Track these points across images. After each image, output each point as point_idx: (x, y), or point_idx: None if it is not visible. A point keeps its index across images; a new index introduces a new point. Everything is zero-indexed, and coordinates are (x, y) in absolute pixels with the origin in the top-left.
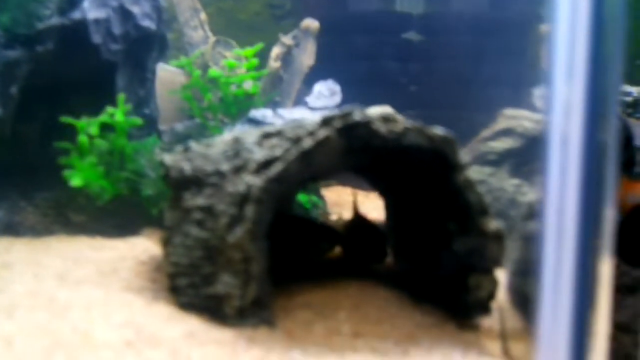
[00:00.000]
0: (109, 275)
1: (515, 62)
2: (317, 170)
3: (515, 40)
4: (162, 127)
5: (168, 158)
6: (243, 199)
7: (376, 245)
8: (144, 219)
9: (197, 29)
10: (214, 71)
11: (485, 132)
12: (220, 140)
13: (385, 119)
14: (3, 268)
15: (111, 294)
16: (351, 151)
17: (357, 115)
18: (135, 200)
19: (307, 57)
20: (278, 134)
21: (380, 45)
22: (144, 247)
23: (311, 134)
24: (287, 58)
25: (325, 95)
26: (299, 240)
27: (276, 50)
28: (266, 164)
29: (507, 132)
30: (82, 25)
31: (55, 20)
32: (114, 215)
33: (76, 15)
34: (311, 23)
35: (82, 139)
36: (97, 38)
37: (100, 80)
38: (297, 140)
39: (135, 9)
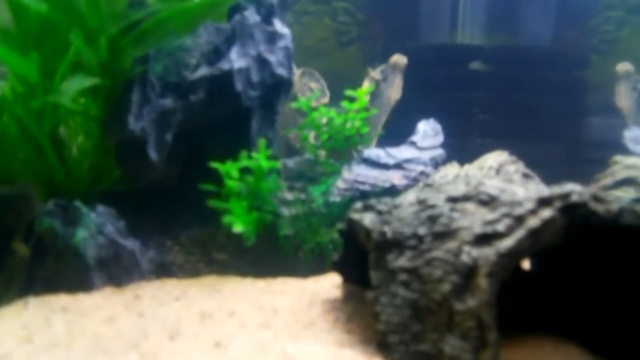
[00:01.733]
0: (310, 327)
1: (577, 95)
2: (540, 246)
3: (576, 74)
4: None
5: (367, 221)
6: (469, 270)
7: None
8: (278, 255)
9: None
10: (329, 111)
11: (604, 181)
12: (406, 202)
13: (598, 198)
14: (205, 317)
15: (331, 349)
16: (569, 229)
17: (576, 196)
18: (267, 237)
19: (394, 91)
20: (467, 199)
21: (450, 76)
22: (311, 290)
23: (533, 212)
24: (374, 92)
25: (430, 135)
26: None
27: (365, 85)
28: (486, 238)
29: (628, 182)
30: (228, 75)
31: (205, 71)
32: (250, 253)
33: (225, 65)
34: (399, 59)
35: (232, 183)
36: (239, 86)
37: (236, 123)
38: (520, 219)
39: (271, 58)
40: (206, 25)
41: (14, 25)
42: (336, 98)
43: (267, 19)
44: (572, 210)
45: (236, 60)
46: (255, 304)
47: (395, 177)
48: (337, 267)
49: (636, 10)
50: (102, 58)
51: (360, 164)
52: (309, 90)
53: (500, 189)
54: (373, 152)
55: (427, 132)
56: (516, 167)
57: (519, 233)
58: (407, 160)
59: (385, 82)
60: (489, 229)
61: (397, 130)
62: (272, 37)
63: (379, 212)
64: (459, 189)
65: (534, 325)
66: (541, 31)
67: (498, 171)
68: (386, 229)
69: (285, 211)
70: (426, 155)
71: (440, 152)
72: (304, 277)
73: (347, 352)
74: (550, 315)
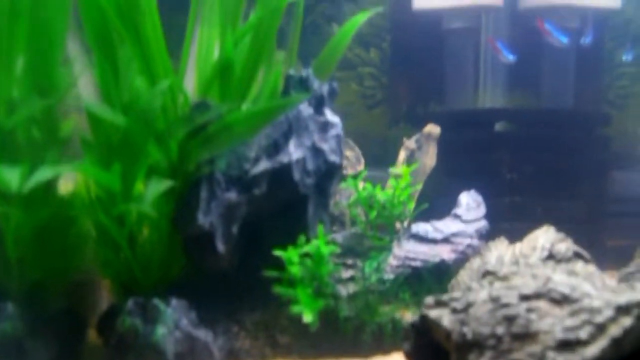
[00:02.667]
0: None
1: (600, 151)
2: (622, 354)
3: (598, 131)
4: None
5: (446, 321)
6: None
7: None
8: (338, 335)
9: None
10: (374, 189)
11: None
12: (479, 299)
13: None
14: None
15: None
16: None
17: None
18: (327, 317)
19: (429, 159)
20: (538, 296)
21: (476, 138)
22: None
23: (614, 320)
24: (409, 160)
25: (473, 207)
26: None
27: (402, 155)
28: (568, 344)
29: None
30: (288, 167)
31: (266, 164)
32: (312, 334)
33: (284, 158)
34: (433, 128)
35: (294, 269)
36: (297, 176)
37: (293, 210)
38: (601, 327)
39: (324, 146)
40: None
41: (92, 136)
42: (365, 158)
43: (318, 109)
44: None
45: (294, 152)
46: None
47: (444, 252)
48: (408, 356)
49: None
50: (172, 161)
51: (410, 239)
52: (345, 158)
53: (570, 286)
54: (421, 227)
55: (470, 205)
56: (567, 246)
57: (602, 342)
58: (454, 234)
59: (420, 151)
60: (571, 336)
61: (428, 195)
62: (324, 127)
63: (455, 310)
64: (530, 286)
65: None
66: (561, 91)
67: (551, 251)
68: (466, 330)
69: (343, 291)
70: (471, 228)
71: (484, 223)
72: (366, 358)
73: None
74: None
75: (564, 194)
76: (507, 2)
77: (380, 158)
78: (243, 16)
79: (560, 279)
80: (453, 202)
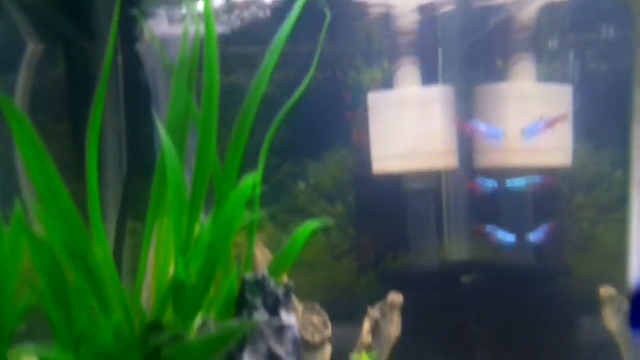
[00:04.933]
0: None
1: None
2: None
3: (558, 281)
4: None
5: None
6: None
7: None
8: None
9: None
10: None
11: None
12: None
13: None
14: None
15: None
16: None
17: None
18: None
19: (394, 328)
20: None
21: (443, 293)
22: None
23: None
24: (375, 330)
25: None
26: None
27: (366, 325)
28: None
29: None
30: None
31: None
32: None
33: None
34: (395, 297)
35: None
36: None
37: None
38: None
39: (280, 351)
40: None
41: None
42: (335, 309)
43: (273, 311)
44: None
45: None
46: None
47: None
48: None
49: (609, 209)
50: None
51: None
52: (312, 325)
53: None
54: None
55: None
56: None
57: None
58: None
59: (384, 320)
60: None
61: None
62: (280, 331)
63: None
64: None
65: None
66: (522, 244)
67: None
68: None
69: None
70: None
71: None
72: None
73: None
74: None
75: (529, 344)
76: (461, 164)
77: (350, 309)
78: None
79: None
80: None
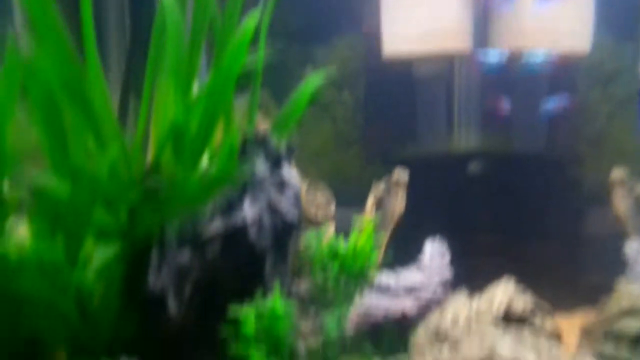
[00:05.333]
0: None
1: (572, 194)
2: None
3: (570, 173)
4: None
5: None
6: None
7: None
8: None
9: None
10: (338, 244)
11: (612, 307)
12: None
13: None
14: None
15: None
16: None
17: None
18: None
19: (397, 205)
20: None
21: (448, 182)
22: None
23: None
24: (378, 206)
25: (437, 257)
26: None
27: (370, 201)
28: None
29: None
30: (242, 227)
31: (219, 225)
32: None
33: (238, 219)
34: (401, 175)
35: (248, 329)
36: (252, 237)
37: (250, 267)
38: None
39: (281, 206)
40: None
41: (35, 206)
42: (339, 198)
43: (275, 168)
44: None
45: (249, 212)
46: None
47: (407, 304)
48: None
49: (625, 103)
50: (122, 225)
51: (372, 292)
52: (315, 204)
53: (514, 358)
54: (383, 279)
55: (434, 255)
56: (524, 303)
57: None
58: (416, 287)
59: (388, 197)
60: None
61: (399, 238)
62: (281, 186)
63: None
64: (474, 353)
65: None
66: (533, 133)
67: (507, 310)
68: None
69: (301, 346)
70: (435, 279)
71: (448, 273)
72: None
73: None
74: None
75: (539, 234)
76: (475, 48)
77: (356, 197)
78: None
79: (504, 350)
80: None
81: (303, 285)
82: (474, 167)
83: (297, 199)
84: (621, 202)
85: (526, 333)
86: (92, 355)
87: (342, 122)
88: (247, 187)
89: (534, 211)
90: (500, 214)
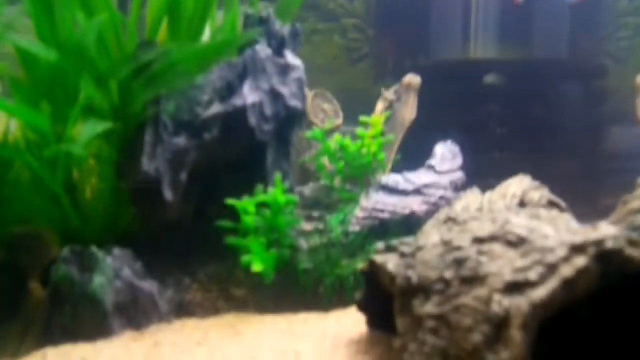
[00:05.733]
0: None
1: (596, 105)
2: (576, 296)
3: (594, 83)
4: None
5: (391, 265)
6: (501, 320)
7: None
8: (297, 290)
9: None
10: (343, 140)
11: (634, 203)
12: (430, 243)
13: (634, 242)
14: None
15: None
16: (605, 277)
17: (610, 242)
18: (286, 270)
19: (408, 111)
20: (494, 239)
21: (464, 91)
22: (334, 331)
23: (567, 260)
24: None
25: (449, 158)
26: None
27: (379, 106)
28: (517, 286)
29: None
30: (242, 111)
31: (218, 108)
32: (270, 288)
33: (238, 102)
34: (413, 79)
35: (248, 220)
36: (253, 121)
37: (251, 158)
38: (552, 267)
39: (284, 90)
40: (218, 61)
41: (24, 75)
42: (349, 115)
43: (278, 51)
44: (606, 258)
45: (249, 95)
46: (277, 349)
47: (415, 204)
48: (361, 307)
49: None
50: (113, 102)
51: (379, 191)
52: (322, 112)
53: (529, 228)
54: (391, 178)
55: (445, 156)
56: (540, 194)
57: (553, 283)
58: (426, 186)
59: (399, 103)
60: (520, 277)
61: (413, 151)
62: (285, 70)
63: (403, 255)
64: (485, 229)
65: None
66: (555, 42)
67: (522, 200)
68: (411, 273)
69: (304, 244)
70: (445, 180)
71: (459, 175)
72: (325, 312)
73: None
74: None
75: (557, 148)
76: None
77: (366, 113)
78: None
79: (519, 222)
80: None
81: (308, 189)
82: (490, 78)
83: (301, 84)
84: None
85: (542, 212)
86: (85, 244)
87: (353, 35)
88: (247, 69)
89: (551, 123)
90: (515, 126)
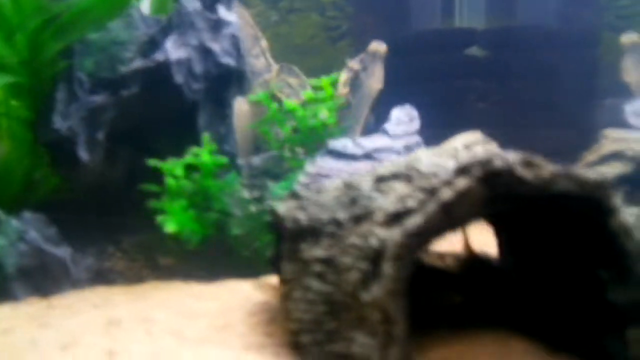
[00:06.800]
0: (224, 331)
1: (586, 76)
2: (457, 222)
3: (585, 54)
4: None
5: (281, 208)
6: (377, 254)
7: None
8: (231, 258)
9: (259, 57)
10: (291, 104)
11: (590, 156)
12: (332, 186)
13: (528, 163)
14: (112, 325)
15: (235, 353)
16: (493, 200)
17: (498, 162)
18: (220, 239)
19: (375, 81)
20: (395, 177)
21: (445, 63)
22: (245, 294)
23: (448, 183)
24: (354, 82)
25: (405, 121)
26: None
27: (344, 76)
28: (397, 216)
29: (616, 156)
30: (165, 67)
31: (138, 63)
32: (201, 256)
33: (159, 57)
34: (378, 46)
35: (171, 181)
36: (179, 78)
37: (182, 119)
38: (432, 191)
39: (215, 46)
40: (144, 16)
41: None
42: None
43: (210, 6)
44: (494, 179)
45: (173, 50)
46: (175, 310)
47: (364, 168)
48: (273, 264)
49: None
50: (21, 55)
51: (325, 155)
52: (288, 86)
53: (436, 164)
54: (338, 142)
55: (401, 119)
56: (485, 150)
57: (429, 208)
58: (377, 150)
59: (365, 72)
60: (400, 206)
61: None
62: (217, 25)
63: (297, 197)
64: (390, 168)
65: (491, 320)
66: (543, 9)
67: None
68: (300, 215)
69: (238, 211)
70: (399, 143)
71: (416, 139)
72: (256, 279)
73: (252, 355)
74: (509, 309)
75: (542, 122)
76: None
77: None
78: None
79: (428, 159)
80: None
81: (258, 159)
82: (474, 50)
83: (236, 41)
84: (631, 70)
85: (461, 151)
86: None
87: (331, 12)
88: (172, 23)
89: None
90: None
